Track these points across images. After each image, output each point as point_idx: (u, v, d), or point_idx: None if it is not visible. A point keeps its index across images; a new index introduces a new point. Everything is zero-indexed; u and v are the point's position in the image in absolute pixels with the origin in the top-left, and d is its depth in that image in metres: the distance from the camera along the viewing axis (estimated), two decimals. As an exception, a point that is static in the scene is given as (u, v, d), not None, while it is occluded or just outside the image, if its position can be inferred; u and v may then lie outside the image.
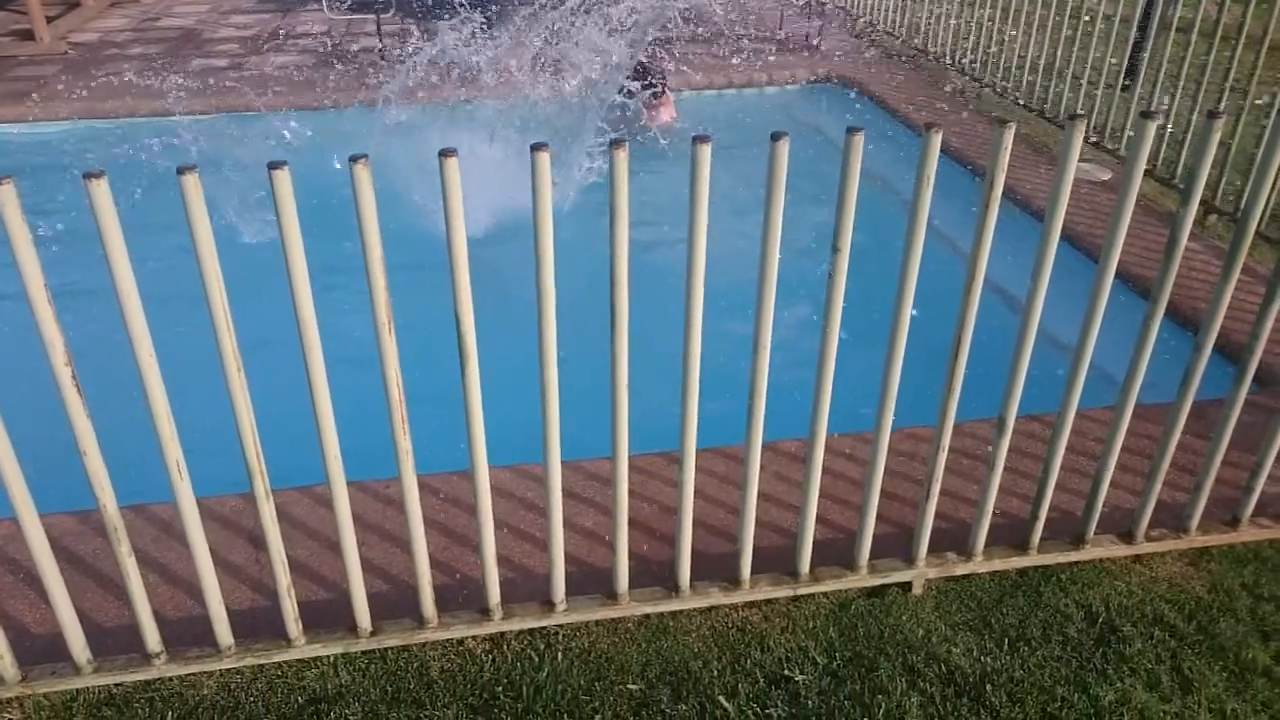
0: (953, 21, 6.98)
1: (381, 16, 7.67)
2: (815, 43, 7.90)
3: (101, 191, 1.65)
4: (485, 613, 2.34)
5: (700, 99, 7.16)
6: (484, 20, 6.30)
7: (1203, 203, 4.72)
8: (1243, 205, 2.14)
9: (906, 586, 2.52)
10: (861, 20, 8.37)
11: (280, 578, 2.16)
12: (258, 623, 2.35)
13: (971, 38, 6.72)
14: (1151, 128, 1.95)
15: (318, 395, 1.93)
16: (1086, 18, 5.53)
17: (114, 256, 1.71)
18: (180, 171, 1.67)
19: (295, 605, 2.22)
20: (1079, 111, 5.55)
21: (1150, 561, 2.63)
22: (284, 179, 1.70)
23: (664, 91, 6.45)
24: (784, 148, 1.80)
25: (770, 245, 1.92)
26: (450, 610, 2.37)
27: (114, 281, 1.72)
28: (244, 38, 8.20)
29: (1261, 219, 4.39)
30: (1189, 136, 4.75)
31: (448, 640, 2.37)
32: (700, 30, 8.49)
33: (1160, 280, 2.17)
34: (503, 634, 2.40)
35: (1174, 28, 4.95)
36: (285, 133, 6.27)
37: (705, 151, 1.79)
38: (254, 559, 2.55)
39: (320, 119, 6.48)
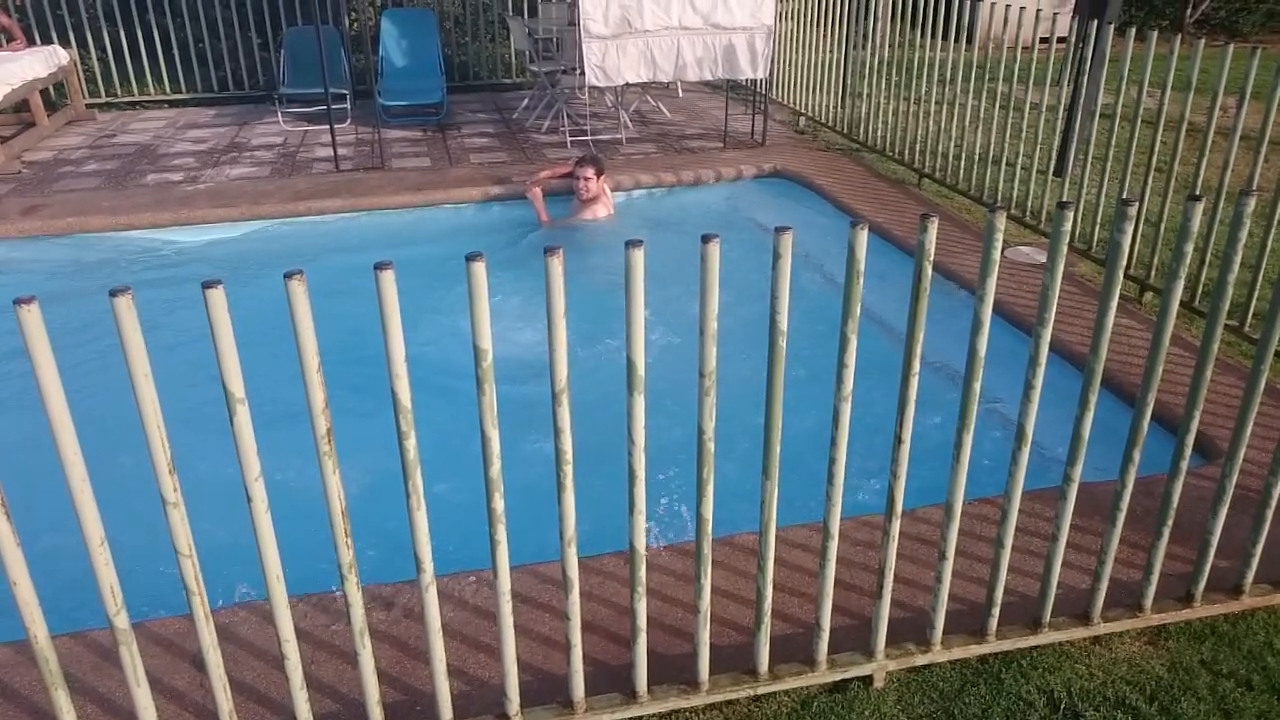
0: (891, 117, 7.24)
1: (336, 126, 7.80)
2: (760, 140, 8.14)
3: (33, 318, 1.64)
4: (438, 729, 2.27)
5: (651, 196, 7.30)
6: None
7: (1139, 281, 4.86)
8: (1165, 284, 2.22)
9: (868, 680, 2.49)
10: (804, 118, 8.65)
11: (222, 703, 2.08)
12: (200, 752, 2.26)
13: (909, 130, 6.96)
14: (1069, 216, 2.02)
15: (256, 511, 1.90)
16: (1016, 111, 5.76)
17: (44, 378, 1.68)
18: (113, 294, 1.66)
19: (238, 731, 2.14)
20: (1013, 197, 5.74)
21: (1109, 642, 2.61)
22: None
23: (600, 183, 6.39)
24: (715, 249, 1.84)
25: (707, 342, 1.94)
26: (402, 728, 2.29)
27: (45, 404, 1.70)
28: (199, 151, 8.28)
29: (1194, 295, 4.56)
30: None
31: (399, 760, 2.29)
32: (649, 129, 8.73)
33: (1092, 356, 2.22)
34: (457, 751, 2.32)
35: (1098, 114, 5.17)
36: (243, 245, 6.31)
37: (638, 256, 1.82)
38: (198, 683, 2.46)
39: (271, 229, 6.55)
